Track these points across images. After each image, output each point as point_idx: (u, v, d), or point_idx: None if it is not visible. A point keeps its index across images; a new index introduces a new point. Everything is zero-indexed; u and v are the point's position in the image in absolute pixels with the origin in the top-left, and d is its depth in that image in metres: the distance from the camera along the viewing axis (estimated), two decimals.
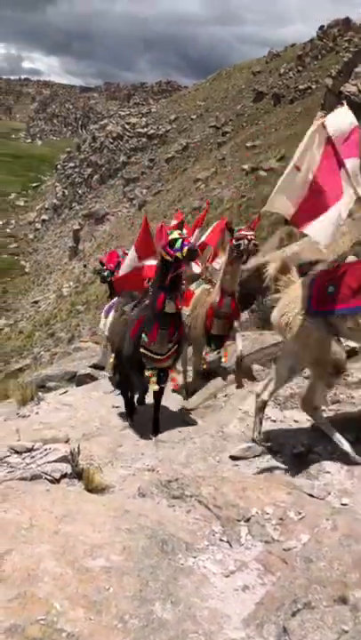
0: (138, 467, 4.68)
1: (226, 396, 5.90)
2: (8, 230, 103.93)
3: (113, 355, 6.80)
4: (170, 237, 4.96)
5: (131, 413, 6.26)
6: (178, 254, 4.88)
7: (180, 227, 5.14)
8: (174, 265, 4.99)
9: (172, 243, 4.91)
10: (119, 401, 7.17)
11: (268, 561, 2.85)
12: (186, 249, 4.86)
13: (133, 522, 3.16)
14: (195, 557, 2.90)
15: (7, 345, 47.13)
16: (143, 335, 5.24)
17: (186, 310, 6.22)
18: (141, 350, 5.28)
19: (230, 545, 3.02)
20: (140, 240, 6.22)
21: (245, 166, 46.04)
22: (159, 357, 5.29)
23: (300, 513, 3.14)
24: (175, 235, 4.95)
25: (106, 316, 8.05)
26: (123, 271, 6.46)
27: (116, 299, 7.87)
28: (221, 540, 3.07)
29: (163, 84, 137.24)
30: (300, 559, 2.79)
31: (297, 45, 73.88)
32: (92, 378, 8.54)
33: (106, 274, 8.65)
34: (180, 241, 4.89)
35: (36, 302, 60.89)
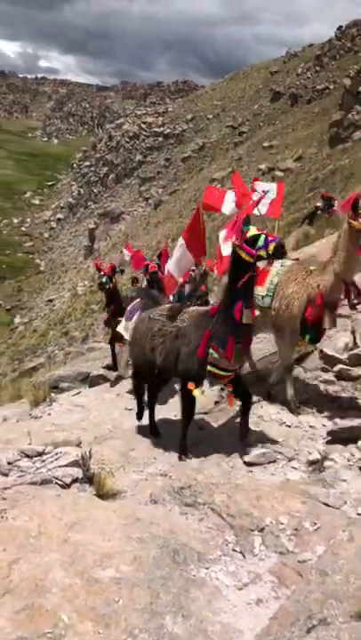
0: (150, 471, 4.61)
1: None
2: (23, 229, 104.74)
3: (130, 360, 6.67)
4: (248, 234, 4.22)
5: (141, 416, 5.93)
6: (262, 252, 4.20)
7: (246, 222, 4.38)
8: (252, 266, 4.31)
9: (253, 240, 4.20)
10: (133, 403, 7.11)
11: (282, 573, 2.77)
12: (273, 245, 4.17)
13: (145, 530, 3.09)
14: (207, 568, 2.83)
15: (21, 343, 47.35)
16: (212, 351, 4.47)
17: (260, 290, 5.11)
18: (209, 368, 4.55)
19: (244, 555, 2.95)
20: (193, 236, 5.36)
21: (262, 166, 45.84)
22: (228, 374, 4.64)
23: (315, 523, 3.05)
24: (254, 231, 4.25)
25: (128, 319, 7.27)
26: (178, 272, 5.67)
27: (138, 300, 7.36)
28: (234, 550, 3.00)
29: (180, 84, 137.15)
30: (316, 572, 2.70)
31: (315, 45, 73.30)
32: (105, 379, 8.47)
33: (104, 280, 7.93)
34: (262, 237, 4.20)
35: (50, 301, 61.14)
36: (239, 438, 4.70)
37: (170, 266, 5.77)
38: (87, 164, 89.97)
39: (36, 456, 4.27)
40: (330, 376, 5.48)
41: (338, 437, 4.37)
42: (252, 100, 73.76)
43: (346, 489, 3.62)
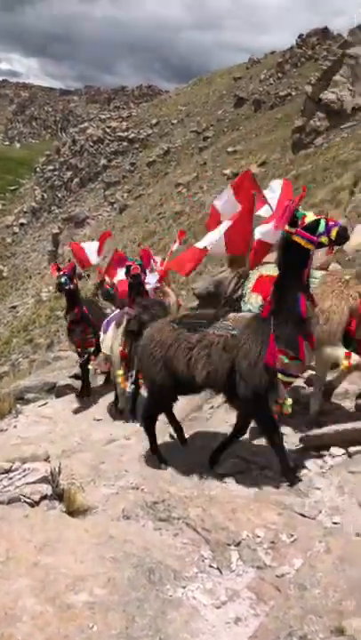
0: (121, 485, 4.50)
1: (212, 407, 5.77)
2: None
3: (132, 381, 6.29)
4: (306, 220, 3.80)
5: (158, 450, 4.91)
6: (323, 239, 3.80)
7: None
8: (310, 254, 3.90)
9: (313, 226, 3.80)
10: (101, 413, 6.99)
11: (260, 589, 2.71)
12: (335, 230, 3.78)
13: (118, 549, 3.00)
14: (184, 587, 2.75)
15: None
16: (282, 356, 3.90)
17: None
18: (279, 376, 3.95)
19: (220, 572, 2.88)
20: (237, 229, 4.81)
21: (227, 171, 46.24)
22: (293, 380, 4.19)
23: (292, 535, 3.02)
24: (312, 216, 3.85)
25: (104, 332, 6.80)
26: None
27: (116, 311, 6.99)
28: (211, 566, 2.93)
29: (144, 88, 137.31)
30: (294, 586, 2.67)
31: (277, 53, 74.65)
32: (72, 389, 8.30)
33: (63, 280, 7.12)
34: (323, 222, 3.80)
35: (14, 307, 60.02)
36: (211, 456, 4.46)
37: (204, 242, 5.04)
38: (51, 168, 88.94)
39: (2, 473, 4.11)
40: (300, 382, 5.49)
41: (310, 445, 4.36)
42: (216, 106, 74.42)
43: (320, 497, 3.60)
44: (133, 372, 6.35)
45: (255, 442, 4.67)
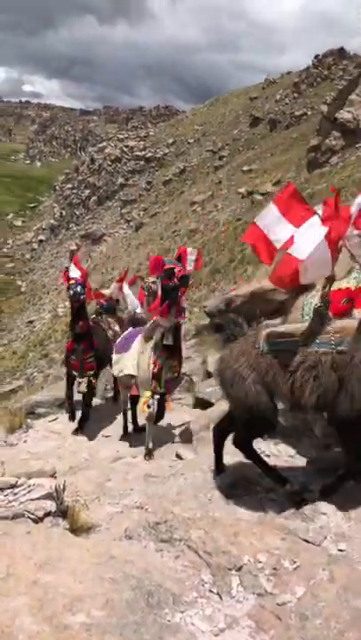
0: (126, 503, 4.48)
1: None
2: (5, 250, 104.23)
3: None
4: None
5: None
6: None
7: None
8: None
9: None
10: (110, 430, 6.99)
11: (260, 617, 2.66)
12: None
13: (118, 570, 2.97)
14: (182, 612, 2.71)
15: (1, 365, 46.72)
16: None
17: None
18: None
19: (220, 597, 2.83)
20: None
21: (242, 190, 46.48)
22: None
23: (294, 562, 2.96)
24: None
25: (121, 352, 6.17)
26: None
27: (134, 329, 6.49)
28: (211, 591, 2.88)
29: (161, 109, 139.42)
30: (295, 615, 2.61)
31: (293, 73, 75.45)
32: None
33: (79, 289, 6.55)
34: None
35: (30, 322, 60.59)
36: None
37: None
38: (69, 186, 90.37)
39: (7, 489, 4.12)
40: None
41: (317, 468, 4.30)
42: (232, 125, 75.20)
43: (326, 522, 3.53)
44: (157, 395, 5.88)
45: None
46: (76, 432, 7.09)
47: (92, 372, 6.96)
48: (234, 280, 20.43)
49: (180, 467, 5.02)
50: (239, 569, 2.95)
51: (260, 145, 63.53)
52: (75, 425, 7.23)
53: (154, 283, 7.10)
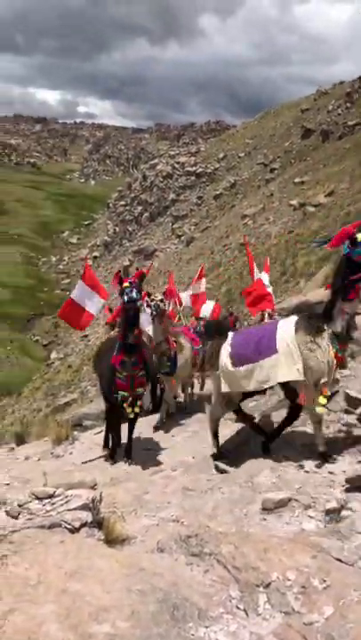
0: (162, 516, 4.50)
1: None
2: (61, 267, 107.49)
3: None
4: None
5: None
6: None
7: None
8: None
9: None
10: (151, 443, 7.03)
11: (286, 636, 2.60)
12: None
13: (146, 581, 2.98)
14: (207, 627, 2.69)
15: (56, 379, 47.90)
16: None
17: None
18: None
19: (247, 614, 2.79)
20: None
21: (294, 202, 46.02)
22: None
23: (324, 581, 2.88)
24: None
25: (253, 360, 4.99)
26: None
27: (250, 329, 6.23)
28: (238, 607, 2.84)
29: (212, 124, 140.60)
30: (322, 636, 2.54)
31: (345, 83, 74.34)
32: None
33: (135, 295, 5.91)
34: None
35: (85, 336, 61.88)
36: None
37: None
38: (122, 203, 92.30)
39: (46, 498, 4.22)
40: (352, 419, 5.30)
41: (358, 485, 4.18)
42: (284, 138, 74.79)
43: None
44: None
45: (300, 478, 4.54)
46: (110, 459, 6.62)
47: (141, 390, 6.30)
48: (285, 293, 20.17)
49: (217, 480, 5.00)
50: (267, 586, 2.90)
51: (313, 156, 62.82)
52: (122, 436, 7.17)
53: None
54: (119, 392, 6.15)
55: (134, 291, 5.86)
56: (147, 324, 7.85)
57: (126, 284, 5.88)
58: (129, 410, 6.18)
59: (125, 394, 6.12)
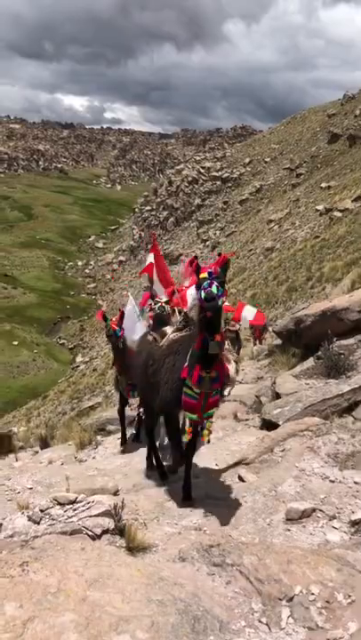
0: (184, 524, 4.45)
1: (283, 450, 5.57)
2: (87, 271, 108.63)
3: None
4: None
5: None
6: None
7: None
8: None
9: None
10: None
11: None
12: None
13: (167, 592, 2.95)
14: None
15: (82, 382, 48.29)
16: None
17: None
18: None
19: (269, 628, 2.73)
20: None
21: (320, 207, 45.60)
22: None
23: (349, 596, 2.81)
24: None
25: None
26: None
27: None
28: (260, 621, 2.79)
29: (238, 129, 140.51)
30: None
31: None
32: None
33: (214, 288, 4.26)
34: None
35: None
36: None
37: None
38: (148, 208, 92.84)
39: (68, 504, 4.22)
40: None
41: None
42: (310, 143, 74.30)
43: None
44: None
45: (325, 488, 4.45)
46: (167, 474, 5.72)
47: (213, 412, 4.95)
48: (305, 299, 19.96)
49: (241, 489, 4.93)
50: (290, 599, 2.84)
51: (340, 161, 62.22)
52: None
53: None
54: (187, 413, 4.75)
55: (214, 284, 4.33)
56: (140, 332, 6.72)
57: (204, 275, 4.38)
58: (205, 434, 4.84)
59: (195, 417, 4.69)
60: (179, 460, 5.21)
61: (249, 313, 8.81)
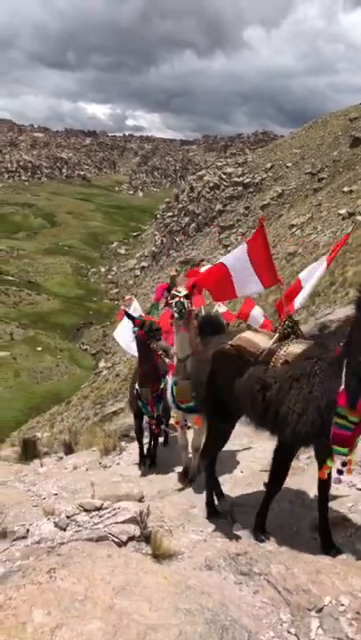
0: (210, 531, 4.43)
1: (309, 457, 5.50)
2: (110, 277, 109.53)
3: None
4: None
5: None
6: None
7: None
8: None
9: None
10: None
11: None
12: None
13: (194, 600, 2.93)
14: None
15: (105, 387, 48.49)
16: None
17: None
18: None
19: (298, 639, 2.69)
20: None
21: (342, 211, 45.19)
22: None
23: None
24: None
25: None
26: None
27: None
28: (289, 631, 2.75)
29: (259, 134, 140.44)
30: None
31: None
32: (174, 428, 8.39)
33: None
34: None
35: None
36: None
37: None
38: (170, 214, 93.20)
39: (93, 511, 4.23)
40: None
41: None
42: (332, 147, 73.77)
43: None
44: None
45: (352, 497, 4.38)
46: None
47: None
48: (328, 304, 19.76)
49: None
50: (320, 610, 2.80)
51: None
52: (170, 448, 7.04)
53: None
54: (336, 447, 3.75)
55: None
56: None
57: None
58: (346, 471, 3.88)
59: (345, 451, 3.76)
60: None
61: (259, 314, 7.72)
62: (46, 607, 2.75)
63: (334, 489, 4.61)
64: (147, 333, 6.11)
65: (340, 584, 2.92)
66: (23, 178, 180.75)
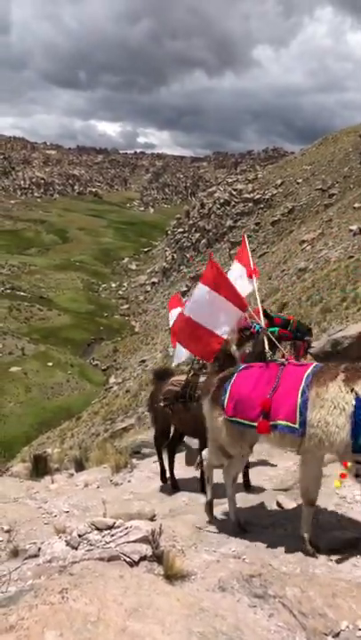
0: (223, 552, 4.35)
1: (323, 477, 5.42)
2: (120, 292, 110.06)
3: None
4: None
5: None
6: None
7: None
8: None
9: None
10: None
11: None
12: None
13: (208, 623, 2.88)
14: None
15: (115, 403, 48.42)
16: None
17: None
18: None
19: None
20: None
21: (353, 227, 45.15)
22: None
23: None
24: None
25: None
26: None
27: None
28: None
29: (269, 151, 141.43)
30: None
31: None
32: (186, 446, 8.34)
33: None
34: None
35: (143, 361, 62.48)
36: None
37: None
38: (180, 230, 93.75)
39: (105, 529, 4.19)
40: None
41: None
42: (342, 163, 74.01)
43: None
44: None
45: None
46: None
47: None
48: (340, 320, 19.66)
49: (280, 516, 4.82)
50: (336, 635, 2.74)
51: None
52: (181, 465, 7.06)
53: None
54: None
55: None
56: None
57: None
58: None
59: None
60: None
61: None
62: (58, 628, 2.72)
63: (349, 509, 4.54)
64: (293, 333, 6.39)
65: (357, 608, 2.86)
66: (36, 195, 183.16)
